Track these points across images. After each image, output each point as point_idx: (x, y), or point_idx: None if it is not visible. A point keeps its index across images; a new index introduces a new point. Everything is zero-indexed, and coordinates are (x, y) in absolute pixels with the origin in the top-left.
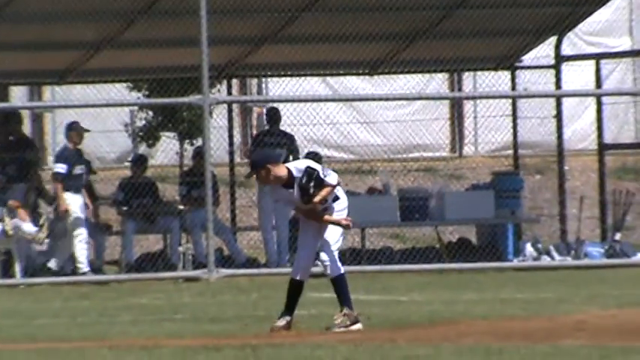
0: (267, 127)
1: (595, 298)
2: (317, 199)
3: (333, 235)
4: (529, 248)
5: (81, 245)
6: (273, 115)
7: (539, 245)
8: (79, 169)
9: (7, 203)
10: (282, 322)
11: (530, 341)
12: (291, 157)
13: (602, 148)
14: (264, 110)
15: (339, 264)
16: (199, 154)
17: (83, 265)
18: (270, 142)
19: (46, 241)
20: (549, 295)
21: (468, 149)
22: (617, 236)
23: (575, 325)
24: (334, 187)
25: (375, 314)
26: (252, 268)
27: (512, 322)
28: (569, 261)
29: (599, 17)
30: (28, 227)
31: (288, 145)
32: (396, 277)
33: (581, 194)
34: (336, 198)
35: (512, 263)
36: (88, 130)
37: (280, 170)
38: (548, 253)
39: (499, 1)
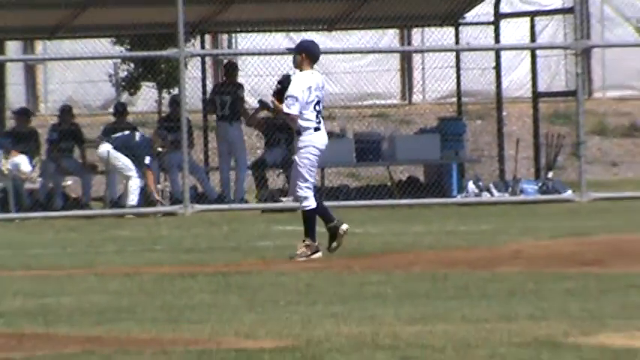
0: (224, 79)
1: (530, 230)
2: (271, 100)
3: (300, 174)
4: (471, 186)
5: (134, 181)
6: (230, 69)
7: (480, 183)
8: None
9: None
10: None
11: (472, 268)
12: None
13: (536, 96)
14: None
15: (310, 199)
16: (176, 102)
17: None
18: (225, 91)
19: (39, 179)
20: (489, 228)
21: (416, 97)
22: (550, 175)
23: (512, 254)
24: (283, 112)
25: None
26: (222, 204)
27: (455, 251)
28: (506, 197)
29: None
30: (25, 167)
31: (233, 93)
32: (352, 211)
33: (517, 137)
34: (299, 132)
35: (456, 199)
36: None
37: (306, 65)
38: (488, 190)
39: None
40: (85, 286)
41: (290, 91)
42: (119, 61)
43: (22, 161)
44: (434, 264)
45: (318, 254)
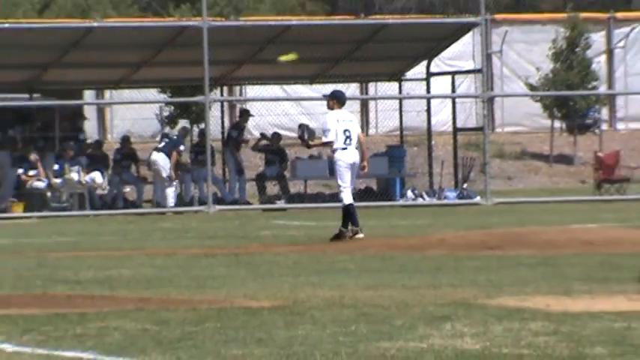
0: (237, 120)
1: (450, 225)
2: (310, 143)
3: (337, 180)
4: (409, 193)
5: (171, 189)
6: (243, 113)
7: (416, 191)
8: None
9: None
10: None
11: (410, 251)
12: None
13: (456, 130)
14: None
15: (344, 198)
16: (203, 133)
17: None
18: (240, 127)
19: (107, 187)
20: (422, 223)
21: (371, 131)
22: (465, 185)
23: (438, 242)
24: (323, 143)
25: (314, 234)
26: (235, 205)
27: (398, 239)
28: (434, 201)
29: (453, 48)
30: (99, 179)
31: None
32: (327, 211)
33: (442, 159)
34: (333, 151)
35: (399, 202)
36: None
37: (336, 107)
38: (422, 196)
39: (391, 38)
40: (138, 262)
41: (324, 125)
42: (163, 104)
43: (97, 176)
44: (383, 248)
45: (360, 235)
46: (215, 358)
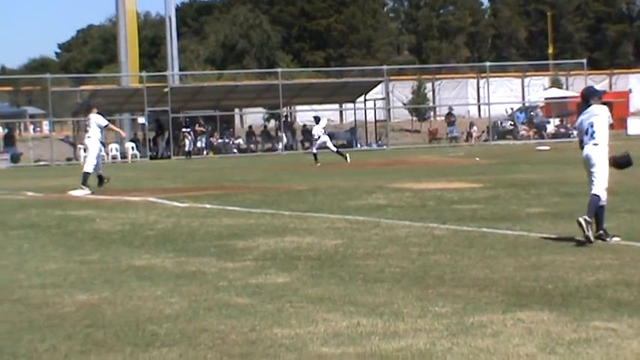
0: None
1: (374, 156)
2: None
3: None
4: (359, 145)
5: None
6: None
7: (361, 144)
8: None
9: None
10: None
11: (359, 167)
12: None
13: (376, 121)
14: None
15: (329, 148)
16: (279, 124)
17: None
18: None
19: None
20: (364, 156)
21: (344, 122)
22: (380, 142)
23: (369, 163)
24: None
25: (323, 161)
26: (292, 150)
27: (355, 163)
28: (368, 148)
29: (375, 89)
30: (242, 142)
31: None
32: (325, 154)
33: (370, 132)
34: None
35: (356, 149)
36: None
37: (319, 122)
38: (363, 146)
39: (350, 86)
40: (255, 172)
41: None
42: (265, 113)
43: (240, 141)
44: (351, 166)
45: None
46: (286, 209)
